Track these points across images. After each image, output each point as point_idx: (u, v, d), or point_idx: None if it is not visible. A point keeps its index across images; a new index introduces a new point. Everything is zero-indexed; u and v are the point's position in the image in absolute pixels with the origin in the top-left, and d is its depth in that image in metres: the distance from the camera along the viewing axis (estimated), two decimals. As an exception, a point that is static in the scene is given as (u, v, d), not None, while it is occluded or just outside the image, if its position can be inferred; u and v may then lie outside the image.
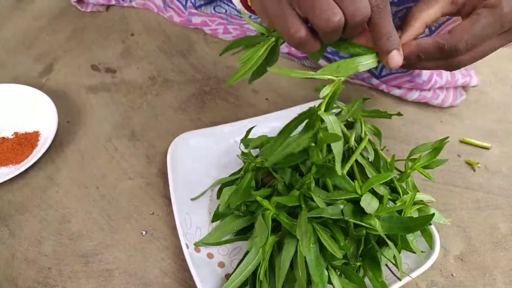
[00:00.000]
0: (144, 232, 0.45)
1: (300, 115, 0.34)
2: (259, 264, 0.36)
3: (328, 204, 0.36)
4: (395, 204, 0.37)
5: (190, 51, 0.66)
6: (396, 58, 0.33)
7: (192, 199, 0.45)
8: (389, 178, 0.37)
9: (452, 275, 0.43)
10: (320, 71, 0.33)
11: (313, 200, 0.36)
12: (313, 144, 0.35)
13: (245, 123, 0.51)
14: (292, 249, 0.35)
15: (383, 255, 0.37)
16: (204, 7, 0.68)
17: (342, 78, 0.33)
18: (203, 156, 0.49)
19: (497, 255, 0.45)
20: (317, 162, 0.36)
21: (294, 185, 0.40)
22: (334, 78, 0.33)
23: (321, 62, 0.60)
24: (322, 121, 0.33)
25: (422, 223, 0.34)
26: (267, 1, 0.32)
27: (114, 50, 0.66)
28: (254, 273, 0.37)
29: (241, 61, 0.35)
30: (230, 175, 0.46)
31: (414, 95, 0.57)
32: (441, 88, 0.57)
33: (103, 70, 0.63)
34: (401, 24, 0.37)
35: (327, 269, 0.35)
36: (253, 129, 0.46)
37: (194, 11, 0.68)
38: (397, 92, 0.58)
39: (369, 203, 0.35)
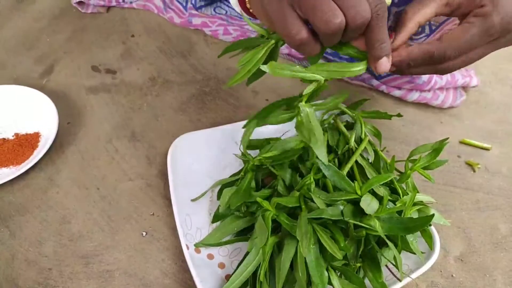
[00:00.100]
0: (144, 233, 0.45)
1: (280, 100, 0.36)
2: (259, 265, 0.36)
3: (328, 205, 0.36)
4: (395, 205, 0.37)
5: (190, 52, 0.66)
6: (384, 64, 0.34)
7: (193, 200, 0.45)
8: (389, 179, 0.37)
9: (452, 275, 0.43)
10: (307, 68, 0.33)
11: (313, 201, 0.36)
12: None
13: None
14: (292, 250, 0.35)
15: (383, 256, 0.37)
16: (205, 8, 0.68)
17: (323, 79, 0.33)
18: (203, 157, 0.49)
19: (497, 256, 0.45)
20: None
21: (294, 186, 0.40)
22: (317, 77, 0.33)
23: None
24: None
25: (422, 224, 0.34)
26: (268, 3, 0.32)
27: (114, 51, 0.66)
28: (254, 274, 0.37)
29: (240, 63, 0.35)
30: (230, 176, 0.46)
31: (414, 96, 0.57)
32: (441, 88, 0.57)
33: (104, 71, 0.63)
34: (395, 25, 0.37)
35: (327, 270, 0.35)
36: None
37: (194, 12, 0.68)
38: (397, 93, 0.58)
39: (369, 204, 0.35)
